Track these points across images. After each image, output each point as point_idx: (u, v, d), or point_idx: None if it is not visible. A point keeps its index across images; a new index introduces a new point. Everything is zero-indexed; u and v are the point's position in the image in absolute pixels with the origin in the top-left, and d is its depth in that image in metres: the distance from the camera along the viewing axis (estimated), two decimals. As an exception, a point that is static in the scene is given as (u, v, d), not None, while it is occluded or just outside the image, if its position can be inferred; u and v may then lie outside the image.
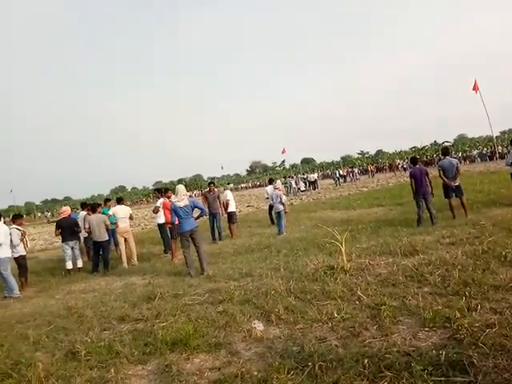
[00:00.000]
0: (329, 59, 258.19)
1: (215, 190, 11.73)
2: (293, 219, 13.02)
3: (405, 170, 45.37)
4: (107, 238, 9.10)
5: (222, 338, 3.87)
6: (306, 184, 36.05)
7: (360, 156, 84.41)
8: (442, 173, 9.05)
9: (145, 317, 4.85)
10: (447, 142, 64.92)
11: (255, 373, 3.09)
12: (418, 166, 9.36)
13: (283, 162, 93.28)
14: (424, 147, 65.67)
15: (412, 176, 8.99)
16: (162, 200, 9.71)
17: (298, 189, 32.64)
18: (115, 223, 9.41)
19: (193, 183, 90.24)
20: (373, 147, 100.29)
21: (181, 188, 7.54)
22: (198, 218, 7.68)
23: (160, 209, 9.67)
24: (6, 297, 7.41)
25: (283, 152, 39.55)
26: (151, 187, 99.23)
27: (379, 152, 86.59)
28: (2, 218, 8.14)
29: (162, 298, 5.58)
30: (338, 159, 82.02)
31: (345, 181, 41.03)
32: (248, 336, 3.87)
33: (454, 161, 9.27)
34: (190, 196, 50.44)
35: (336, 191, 28.37)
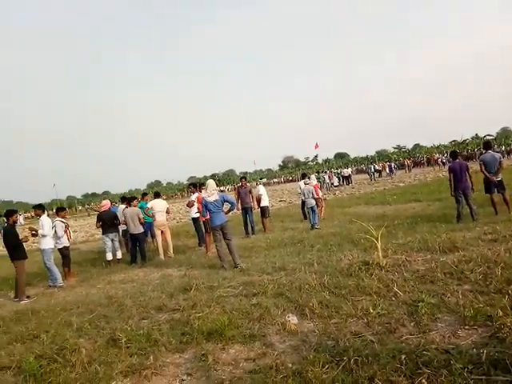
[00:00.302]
0: (364, 52, 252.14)
1: (247, 184, 11.80)
2: (326, 214, 12.89)
3: (444, 164, 43.68)
4: (142, 231, 9.35)
5: (256, 330, 3.92)
6: (339, 179, 35.53)
7: (396, 150, 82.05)
8: (483, 167, 8.67)
9: (181, 307, 4.98)
10: (489, 135, 62.00)
11: (290, 365, 3.12)
12: (457, 160, 9.00)
13: (316, 156, 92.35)
14: (465, 141, 62.99)
15: (451, 170, 8.66)
16: (196, 194, 9.89)
17: (332, 184, 32.23)
18: (153, 216, 9.68)
19: (225, 178, 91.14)
20: (410, 142, 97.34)
21: (211, 183, 7.65)
22: (228, 212, 7.80)
23: (194, 203, 9.86)
24: (50, 286, 7.83)
25: (316, 147, 39.04)
26: (185, 182, 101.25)
27: (416, 146, 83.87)
28: (46, 211, 8.57)
29: (197, 289, 5.70)
30: (373, 154, 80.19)
31: (380, 176, 40.06)
32: (282, 329, 3.90)
33: (497, 155, 8.85)
34: (222, 191, 51.16)
35: (371, 186, 27.79)
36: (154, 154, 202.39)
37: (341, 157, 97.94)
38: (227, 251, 7.34)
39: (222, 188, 68.74)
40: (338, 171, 42.40)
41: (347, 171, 37.00)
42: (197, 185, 10.58)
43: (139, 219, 9.26)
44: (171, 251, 9.70)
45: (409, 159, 52.27)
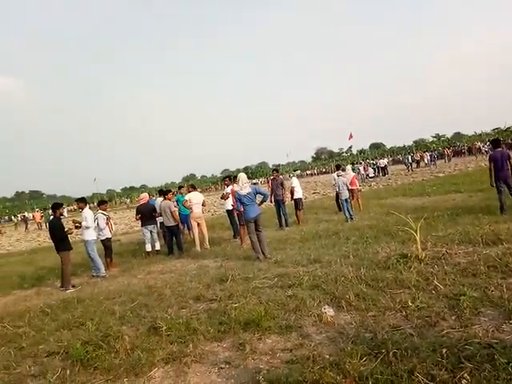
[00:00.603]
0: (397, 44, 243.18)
1: (279, 176, 11.78)
2: (361, 206, 12.66)
3: (487, 153, 41.65)
4: (174, 224, 9.50)
5: (292, 321, 3.95)
6: (375, 170, 34.73)
7: (435, 139, 78.95)
8: None
9: (218, 297, 5.09)
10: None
11: (327, 356, 3.12)
12: (499, 148, 8.56)
13: (350, 147, 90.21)
14: (508, 128, 59.54)
15: (492, 159, 8.26)
16: (231, 187, 10.00)
17: (367, 175, 31.56)
18: (191, 208, 9.87)
19: (258, 171, 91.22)
20: (449, 130, 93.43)
21: (242, 176, 7.72)
22: (261, 203, 7.89)
23: (229, 196, 9.98)
24: (94, 276, 8.20)
25: (350, 137, 38.26)
26: (219, 175, 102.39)
27: (457, 134, 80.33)
28: (88, 204, 8.95)
29: (233, 280, 5.80)
30: (410, 143, 77.57)
31: (418, 166, 38.78)
32: (318, 320, 3.90)
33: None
34: (255, 183, 51.31)
35: (408, 177, 26.99)
36: (189, 148, 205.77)
37: (376, 147, 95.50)
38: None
39: (254, 181, 68.95)
40: (374, 162, 41.44)
41: (383, 162, 36.10)
42: (231, 177, 10.70)
43: (171, 212, 9.39)
44: (207, 243, 9.88)
45: (448, 148, 50.18)
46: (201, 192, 12.84)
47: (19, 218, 45.25)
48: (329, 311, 4.00)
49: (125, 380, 3.33)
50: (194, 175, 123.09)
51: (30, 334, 4.80)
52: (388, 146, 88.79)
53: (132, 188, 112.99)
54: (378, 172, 34.80)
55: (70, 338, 4.38)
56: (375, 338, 3.29)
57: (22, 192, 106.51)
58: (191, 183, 11.66)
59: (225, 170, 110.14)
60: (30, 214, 37.19)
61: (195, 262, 8.01)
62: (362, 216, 10.95)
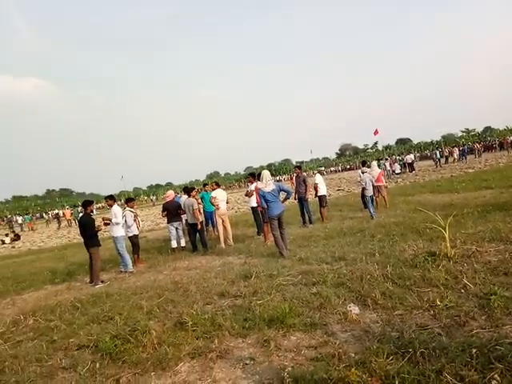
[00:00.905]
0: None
1: (301, 173, 11.70)
2: (388, 203, 12.43)
3: (520, 147, 40.07)
4: (194, 221, 9.55)
5: (317, 319, 3.94)
6: (401, 166, 33.97)
7: (464, 134, 76.49)
8: None
9: (243, 294, 5.13)
10: None
11: (352, 354, 3.10)
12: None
13: (376, 143, 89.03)
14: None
15: None
16: (254, 184, 10.02)
17: (393, 171, 30.90)
18: (217, 205, 9.96)
19: (281, 168, 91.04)
20: (480, 125, 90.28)
21: (266, 173, 7.73)
22: (284, 200, 7.94)
23: (253, 193, 10.01)
24: (121, 271, 8.41)
25: (376, 133, 37.44)
26: (242, 172, 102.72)
27: (487, 129, 77.55)
28: (116, 202, 9.16)
29: (257, 277, 5.83)
30: (439, 139, 75.46)
31: (446, 162, 37.69)
32: (343, 318, 3.88)
33: None
34: (279, 180, 51.07)
35: (436, 173, 26.25)
36: (214, 145, 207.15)
37: (403, 143, 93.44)
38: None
39: (277, 178, 68.82)
40: (400, 158, 40.52)
41: (410, 157, 35.18)
42: (255, 175, 10.72)
43: (193, 210, 9.46)
44: (231, 239, 9.95)
45: (479, 143, 48.52)
46: (224, 189, 12.91)
47: (50, 216, 46.93)
48: (354, 309, 3.96)
49: (152, 374, 3.41)
50: (218, 173, 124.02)
51: (61, 328, 4.98)
52: (415, 142, 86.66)
53: (158, 185, 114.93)
54: (405, 168, 34.02)
55: (99, 332, 4.52)
56: (402, 337, 3.24)
57: (53, 190, 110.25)
58: (215, 181, 11.72)
59: (248, 167, 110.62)
60: (61, 212, 38.42)
61: (220, 259, 8.09)
62: (388, 213, 10.75)
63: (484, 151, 45.52)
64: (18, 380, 3.64)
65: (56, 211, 43.71)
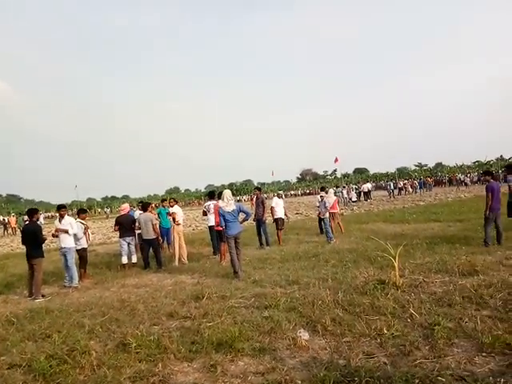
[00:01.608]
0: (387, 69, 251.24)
1: (260, 195, 11.81)
2: (343, 229, 12.73)
3: (466, 184, 42.83)
4: (154, 237, 9.39)
5: (266, 344, 3.87)
6: (358, 194, 35.17)
7: (417, 168, 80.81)
8: (511, 189, 8.46)
9: (192, 315, 4.98)
10: (515, 157, 60.55)
11: (299, 382, 3.06)
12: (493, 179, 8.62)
13: (335, 170, 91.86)
14: (489, 162, 61.65)
15: (490, 190, 8.22)
16: (212, 203, 9.94)
17: (350, 199, 31.88)
18: (178, 222, 9.76)
19: (243, 188, 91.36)
20: (431, 160, 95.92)
21: (227, 193, 7.74)
22: (242, 221, 7.95)
23: (211, 211, 9.91)
24: (66, 286, 7.91)
25: (336, 161, 38.69)
26: (203, 190, 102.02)
27: (439, 165, 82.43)
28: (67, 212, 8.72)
29: (209, 298, 5.70)
30: (393, 170, 79.14)
31: (399, 193, 39.51)
32: (293, 344, 3.84)
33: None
34: (239, 201, 51.09)
35: (390, 203, 27.37)
36: (174, 161, 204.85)
37: (360, 172, 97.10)
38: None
39: (238, 198, 68.90)
40: (357, 186, 41.96)
41: (367, 186, 36.54)
42: (215, 193, 10.64)
43: (152, 225, 9.30)
44: (185, 258, 9.73)
45: (430, 178, 51.40)
46: (183, 206, 12.71)
47: (-6, 222, 43.81)
48: (304, 335, 3.94)
49: (87, 399, 3.17)
50: (178, 188, 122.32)
51: (-8, 345, 4.57)
52: (371, 172, 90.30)
53: (113, 198, 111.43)
54: (362, 196, 35.24)
55: (34, 351, 4.20)
56: (349, 365, 3.24)
57: (0, 195, 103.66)
58: (172, 197, 11.52)
59: (209, 185, 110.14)
60: (6, 218, 36.01)
61: (172, 278, 7.86)
62: (342, 239, 10.99)
63: (435, 185, 48.19)
64: None
65: (1, 217, 40.89)
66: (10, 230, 31.56)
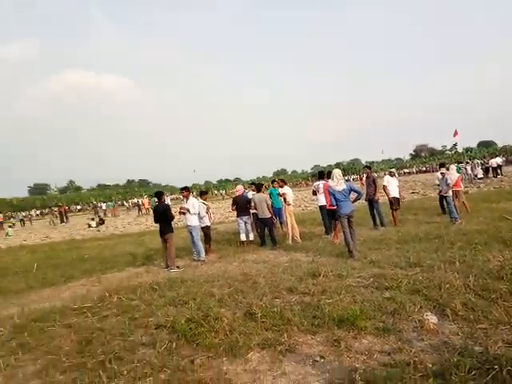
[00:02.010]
0: None
1: (371, 174, 11.31)
2: (469, 209, 11.55)
3: None
4: (269, 216, 9.75)
5: (390, 324, 3.81)
6: (485, 170, 31.29)
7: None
8: None
9: (311, 291, 5.12)
10: None
11: (429, 365, 2.96)
12: None
13: (455, 145, 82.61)
14: None
15: None
16: (322, 182, 9.92)
17: (475, 176, 28.57)
18: (288, 202, 10.06)
19: (350, 167, 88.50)
20: None
21: (337, 172, 7.65)
22: (354, 201, 7.85)
23: (321, 191, 9.92)
24: (194, 259, 8.83)
25: (455, 134, 34.82)
26: (309, 171, 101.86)
27: None
28: (190, 193, 9.62)
29: (326, 276, 5.78)
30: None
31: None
32: (419, 327, 3.71)
33: None
34: (347, 180, 49.62)
35: (526, 179, 23.81)
36: (281, 145, 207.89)
37: (486, 145, 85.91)
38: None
39: (346, 178, 67.10)
40: (483, 161, 37.34)
41: (495, 161, 32.24)
42: (324, 173, 10.59)
43: (267, 205, 9.67)
44: (298, 237, 9.95)
45: None
46: (291, 187, 12.92)
47: (130, 204, 50.44)
48: (432, 318, 3.77)
49: (224, 359, 3.55)
50: (285, 170, 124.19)
51: (141, 307, 5.37)
52: (500, 145, 79.06)
53: (227, 180, 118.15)
54: (490, 172, 31.29)
55: (175, 314, 4.80)
56: (486, 353, 3.02)
57: (133, 180, 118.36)
58: (281, 178, 11.81)
59: (315, 165, 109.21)
60: (140, 200, 41.19)
61: (287, 255, 8.14)
62: (469, 219, 10.00)
63: None
64: (104, 351, 3.99)
65: (135, 200, 46.96)
66: (143, 211, 35.83)
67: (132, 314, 5.14)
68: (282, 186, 10.80)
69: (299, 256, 7.91)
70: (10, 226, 29.20)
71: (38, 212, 59.30)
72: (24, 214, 49.05)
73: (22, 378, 3.69)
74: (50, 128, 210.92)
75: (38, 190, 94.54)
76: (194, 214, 8.76)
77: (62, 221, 35.81)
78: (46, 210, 58.08)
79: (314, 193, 10.55)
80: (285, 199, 10.16)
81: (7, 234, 25.62)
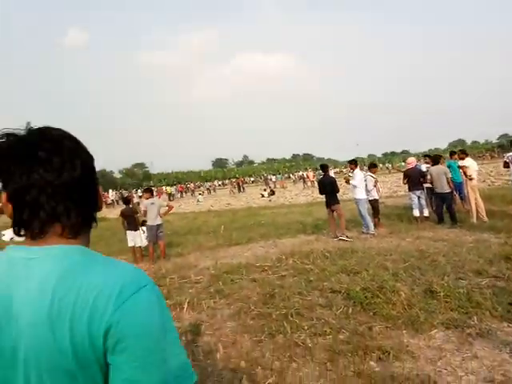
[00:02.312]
0: None
1: None
2: None
3: None
4: (448, 190, 8.82)
5: None
6: None
7: None
8: None
9: (505, 276, 4.51)
10: None
11: None
12: None
13: None
14: None
15: None
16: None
17: None
18: (469, 175, 8.97)
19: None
20: None
21: None
22: None
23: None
24: (363, 232, 8.73)
25: None
26: (494, 141, 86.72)
27: None
28: (358, 166, 9.45)
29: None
30: None
31: None
32: None
33: None
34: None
35: None
36: (464, 110, 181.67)
37: None
38: None
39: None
40: None
41: None
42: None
43: (447, 179, 8.77)
44: (484, 215, 8.73)
45: None
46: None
47: (296, 177, 52.87)
48: None
49: (403, 331, 3.49)
50: (463, 141, 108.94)
51: (315, 271, 5.67)
52: None
53: (393, 153, 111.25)
54: None
55: (348, 282, 4.92)
56: None
57: (297, 154, 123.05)
58: (461, 149, 10.40)
59: (502, 135, 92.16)
60: (305, 173, 42.71)
61: (471, 235, 7.28)
62: None
63: None
64: (285, 306, 4.41)
65: (300, 173, 48.95)
66: (308, 183, 37.14)
67: (307, 276, 5.48)
68: (462, 158, 9.60)
69: (487, 236, 6.97)
70: (200, 194, 34.38)
71: (219, 182, 67.79)
72: (209, 184, 56.71)
73: (219, 319, 4.41)
74: (226, 112, 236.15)
75: (219, 163, 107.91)
76: (353, 186, 8.65)
77: (239, 190, 40.41)
78: (226, 181, 65.86)
79: (507, 164, 8.99)
80: (465, 173, 9.00)
81: (198, 201, 30.17)
